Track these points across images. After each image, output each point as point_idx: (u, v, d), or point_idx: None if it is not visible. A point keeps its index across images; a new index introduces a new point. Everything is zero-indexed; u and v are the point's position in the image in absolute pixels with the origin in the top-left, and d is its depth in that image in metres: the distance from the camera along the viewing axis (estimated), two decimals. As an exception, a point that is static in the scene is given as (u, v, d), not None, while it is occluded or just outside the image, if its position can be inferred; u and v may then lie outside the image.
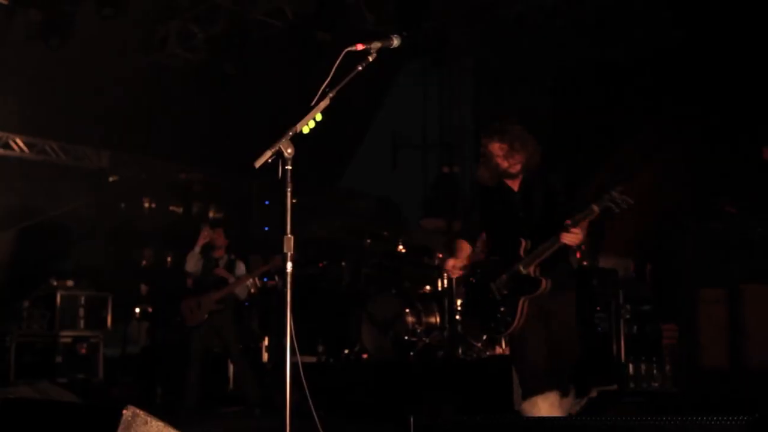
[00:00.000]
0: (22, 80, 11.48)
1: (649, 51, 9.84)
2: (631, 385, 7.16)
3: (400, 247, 9.05)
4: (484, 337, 8.27)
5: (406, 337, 8.53)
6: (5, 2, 10.50)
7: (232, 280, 8.92)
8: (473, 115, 13.08)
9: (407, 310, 8.63)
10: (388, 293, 8.79)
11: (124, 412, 2.95)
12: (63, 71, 11.35)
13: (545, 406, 4.71)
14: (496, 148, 4.94)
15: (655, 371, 7.19)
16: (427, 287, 9.26)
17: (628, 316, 7.32)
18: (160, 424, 3.04)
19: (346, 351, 9.10)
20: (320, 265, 10.50)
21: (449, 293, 8.72)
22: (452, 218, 9.00)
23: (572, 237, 4.67)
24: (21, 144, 12.92)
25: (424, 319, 8.73)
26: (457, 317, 8.64)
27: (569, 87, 10.98)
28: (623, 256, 8.49)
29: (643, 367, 7.19)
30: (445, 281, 8.84)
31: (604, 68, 10.39)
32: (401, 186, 13.78)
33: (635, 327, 7.37)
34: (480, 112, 12.99)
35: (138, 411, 2.99)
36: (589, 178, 9.31)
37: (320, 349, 9.23)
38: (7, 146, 12.81)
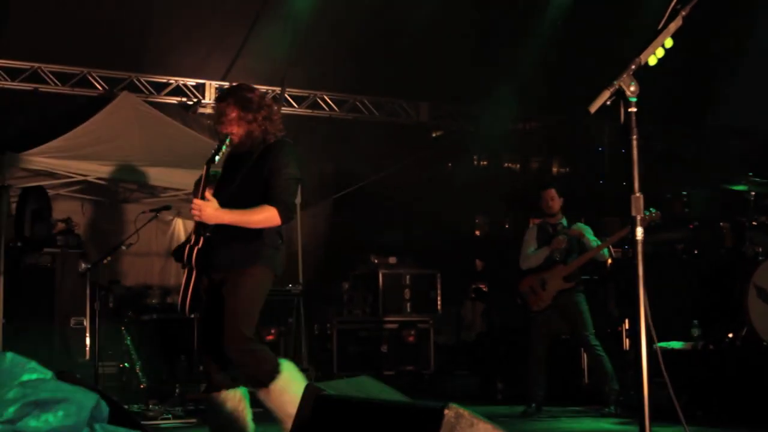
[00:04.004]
0: (320, 35, 12.23)
1: None
2: None
3: (797, 198, 8.57)
4: None
5: (810, 317, 8.10)
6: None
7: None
8: None
9: (810, 282, 8.18)
10: (783, 260, 8.36)
11: (446, 412, 3.06)
12: (365, 19, 11.96)
13: None
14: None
15: None
16: (837, 251, 8.70)
17: None
18: (489, 426, 3.12)
19: (730, 335, 8.81)
20: (690, 226, 10.21)
21: None
22: None
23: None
24: (330, 102, 13.71)
25: (834, 293, 8.24)
26: None
27: None
28: None
29: None
30: None
31: None
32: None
33: None
34: None
35: (462, 411, 3.09)
36: None
37: (695, 333, 9.02)
38: (315, 106, 13.66)
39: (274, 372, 5.46)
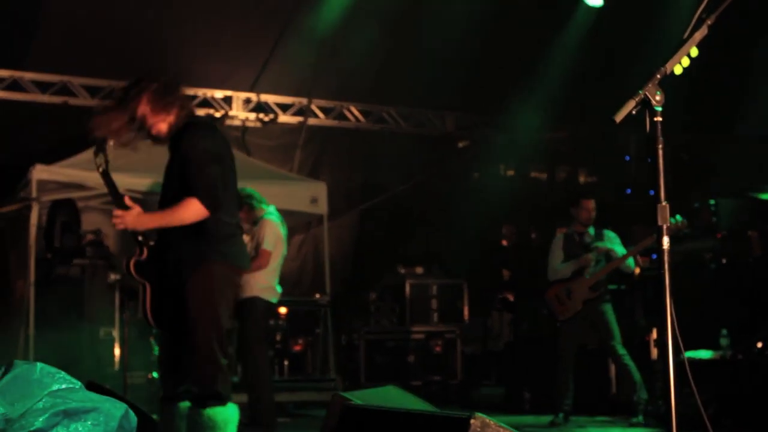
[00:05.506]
0: (347, 46, 12.26)
1: None
2: None
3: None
4: None
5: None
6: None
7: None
8: None
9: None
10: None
11: (472, 422, 3.06)
12: (391, 29, 11.99)
13: None
14: None
15: None
16: None
17: None
18: (515, 436, 3.12)
19: (759, 345, 8.76)
20: (718, 235, 10.16)
21: None
22: None
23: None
24: (356, 112, 13.73)
25: None
26: None
27: None
28: None
29: None
30: None
31: None
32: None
33: None
34: None
35: (489, 421, 3.09)
36: None
37: (724, 342, 8.96)
38: (341, 117, 13.69)
39: (219, 399, 5.00)
